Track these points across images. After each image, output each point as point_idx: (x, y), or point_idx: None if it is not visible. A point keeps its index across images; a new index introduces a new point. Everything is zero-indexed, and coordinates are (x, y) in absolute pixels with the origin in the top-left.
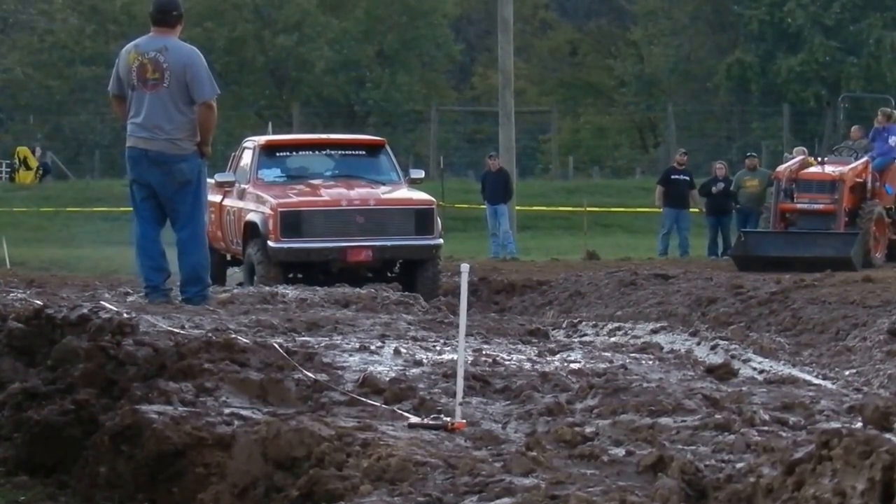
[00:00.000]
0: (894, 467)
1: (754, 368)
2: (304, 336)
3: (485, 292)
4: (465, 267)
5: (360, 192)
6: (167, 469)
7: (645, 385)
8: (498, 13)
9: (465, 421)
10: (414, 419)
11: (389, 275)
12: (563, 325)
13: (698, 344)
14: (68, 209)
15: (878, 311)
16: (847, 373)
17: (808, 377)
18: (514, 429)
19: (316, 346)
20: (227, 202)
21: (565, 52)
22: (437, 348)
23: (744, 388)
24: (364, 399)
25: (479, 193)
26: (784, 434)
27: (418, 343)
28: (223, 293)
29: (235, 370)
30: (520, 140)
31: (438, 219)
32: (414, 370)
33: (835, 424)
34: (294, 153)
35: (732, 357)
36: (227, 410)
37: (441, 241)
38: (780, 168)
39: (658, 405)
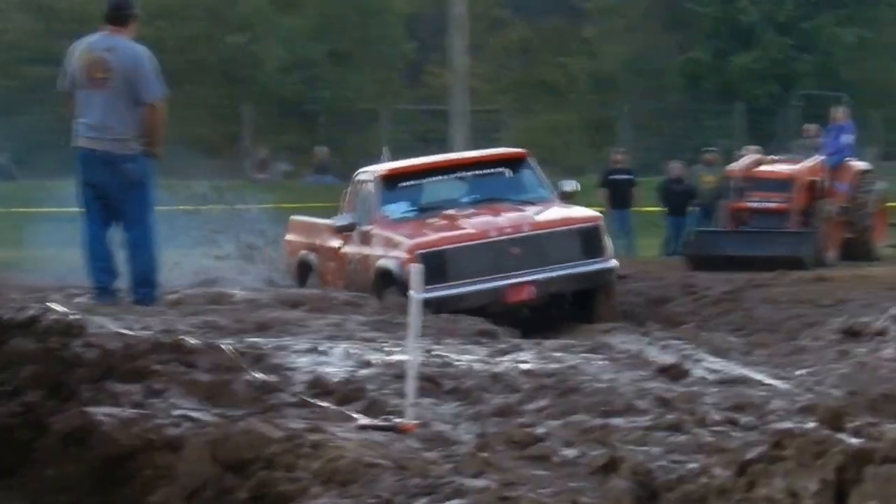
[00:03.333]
0: (847, 468)
1: (706, 368)
2: (253, 337)
3: None
4: (415, 267)
5: (509, 218)
6: (116, 471)
7: (596, 385)
8: (450, 11)
9: (415, 422)
10: (364, 420)
11: (556, 312)
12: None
13: (650, 344)
14: (18, 210)
15: (831, 310)
16: (799, 373)
17: (760, 377)
18: (465, 430)
19: (265, 348)
20: (347, 249)
21: (518, 51)
22: (388, 349)
23: (696, 389)
24: (314, 400)
25: None
26: (736, 434)
27: (368, 344)
28: None
29: (185, 372)
30: (472, 139)
31: (608, 237)
32: (364, 371)
33: (787, 424)
34: (422, 180)
35: (684, 357)
36: (176, 412)
37: (615, 262)
38: (733, 166)
39: (609, 406)
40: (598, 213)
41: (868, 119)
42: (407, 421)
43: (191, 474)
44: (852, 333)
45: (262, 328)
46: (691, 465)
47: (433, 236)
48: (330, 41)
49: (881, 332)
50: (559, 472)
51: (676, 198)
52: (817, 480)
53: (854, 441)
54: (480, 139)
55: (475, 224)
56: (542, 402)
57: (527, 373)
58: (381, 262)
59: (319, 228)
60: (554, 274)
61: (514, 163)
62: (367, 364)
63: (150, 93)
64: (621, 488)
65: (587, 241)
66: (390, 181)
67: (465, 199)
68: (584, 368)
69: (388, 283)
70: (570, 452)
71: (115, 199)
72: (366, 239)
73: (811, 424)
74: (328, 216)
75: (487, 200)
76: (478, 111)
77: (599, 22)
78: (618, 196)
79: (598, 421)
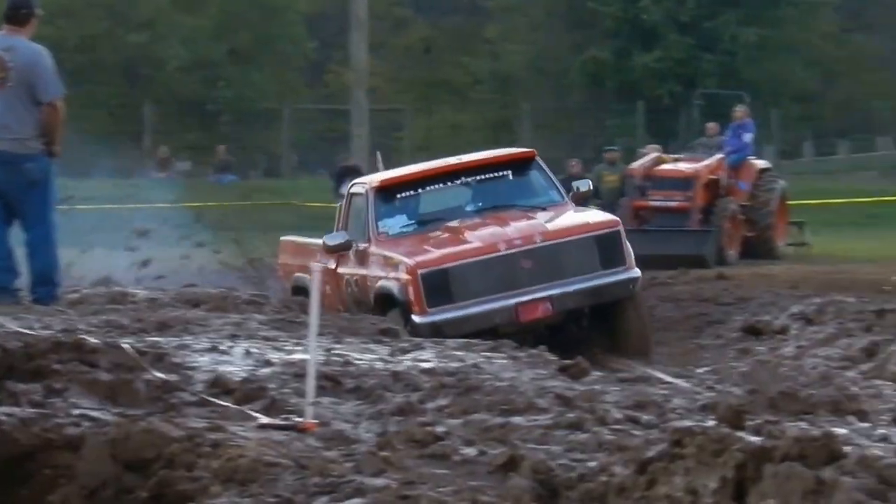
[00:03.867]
0: (747, 465)
1: (607, 367)
2: (154, 336)
3: None
4: (316, 266)
5: (518, 228)
6: (16, 471)
7: (497, 384)
8: (351, 10)
9: (315, 421)
10: (264, 419)
11: (578, 329)
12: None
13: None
14: None
15: (732, 308)
16: (700, 370)
17: (661, 375)
18: (366, 429)
19: (166, 347)
20: (343, 269)
21: (420, 50)
22: (288, 348)
23: (596, 387)
24: (214, 400)
25: (332, 192)
26: (636, 432)
27: (269, 343)
28: None
29: (85, 371)
30: (374, 138)
31: (628, 243)
32: (265, 370)
33: (687, 423)
34: (420, 189)
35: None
36: (76, 412)
37: (638, 272)
38: (634, 165)
39: (510, 404)
40: (615, 218)
41: (768, 118)
42: (307, 420)
43: (91, 474)
44: (753, 332)
45: (162, 327)
46: (592, 464)
47: (435, 253)
48: (231, 40)
49: (782, 331)
50: (459, 471)
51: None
52: (717, 478)
53: (754, 439)
54: (382, 138)
55: (481, 237)
56: (443, 401)
57: (428, 371)
58: (381, 284)
59: (312, 249)
60: (571, 288)
61: (520, 164)
62: (268, 363)
63: (48, 92)
64: (521, 487)
65: (606, 249)
66: (385, 193)
67: (468, 208)
68: (485, 367)
69: (390, 305)
70: (470, 451)
71: (14, 198)
72: (363, 259)
73: (711, 423)
74: (233, 214)
75: (493, 208)
76: (379, 110)
77: (501, 21)
78: None
79: (499, 419)
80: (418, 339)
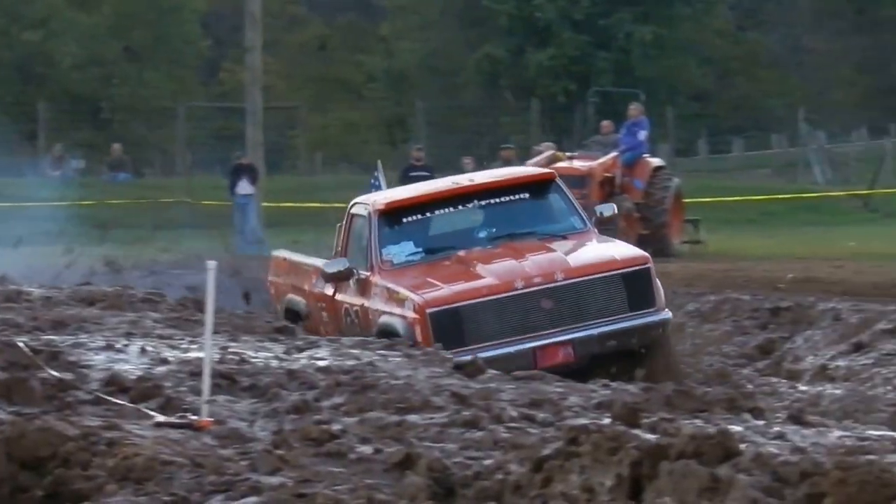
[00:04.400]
0: (642, 463)
1: None
2: (49, 335)
3: (236, 289)
4: (211, 264)
5: (537, 263)
6: None
7: (393, 382)
8: (246, 8)
9: (211, 419)
10: (160, 418)
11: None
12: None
13: None
14: None
15: None
16: None
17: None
18: (261, 427)
19: (61, 345)
20: (343, 297)
21: (314, 48)
22: (184, 346)
23: (492, 385)
24: (110, 398)
25: (227, 189)
26: (532, 430)
27: (165, 341)
28: None
29: None
30: (268, 136)
31: (658, 280)
32: (160, 368)
33: (583, 421)
34: (428, 213)
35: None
36: None
37: (669, 314)
38: (529, 163)
39: (406, 402)
40: (645, 253)
41: (663, 116)
42: (203, 418)
43: None
44: None
45: (58, 326)
46: (487, 462)
47: (446, 290)
48: (126, 39)
49: (678, 329)
50: (355, 469)
51: None
52: (613, 476)
53: (650, 437)
54: (277, 136)
55: (496, 272)
56: (339, 399)
57: (323, 370)
58: (385, 320)
59: (307, 269)
60: (595, 332)
61: (539, 187)
62: (164, 361)
63: None
64: (417, 485)
65: (634, 288)
66: (390, 216)
67: (481, 234)
68: (381, 365)
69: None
70: (366, 449)
71: None
72: (365, 288)
73: (607, 421)
74: (127, 213)
75: (509, 236)
76: (274, 108)
77: (396, 19)
78: None
79: (395, 417)
80: (314, 337)
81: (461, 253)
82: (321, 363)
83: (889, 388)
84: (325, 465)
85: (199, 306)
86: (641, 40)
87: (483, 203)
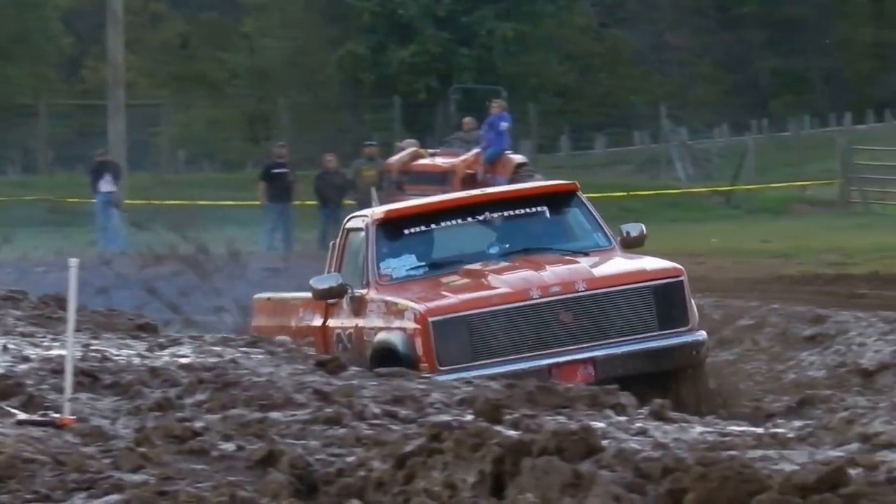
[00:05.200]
0: (505, 460)
1: None
2: None
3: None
4: (73, 262)
5: (556, 273)
6: None
7: (255, 379)
8: (108, 6)
9: (73, 417)
10: (22, 415)
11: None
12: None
13: None
14: None
15: None
16: None
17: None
18: (124, 424)
19: None
20: (335, 322)
21: (177, 45)
22: (46, 344)
23: (354, 382)
24: None
25: (89, 187)
26: (395, 427)
27: (27, 339)
28: None
29: None
30: (131, 133)
31: (691, 298)
32: (22, 366)
33: (445, 417)
34: (434, 225)
35: None
36: None
37: (704, 334)
38: (392, 160)
39: (268, 399)
40: (678, 266)
41: (526, 112)
42: (65, 416)
43: None
44: None
45: None
46: (350, 459)
47: (452, 298)
48: None
49: None
50: (218, 466)
51: (331, 191)
52: (475, 473)
53: (512, 433)
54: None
55: (510, 281)
56: (202, 397)
57: (186, 367)
58: (381, 337)
59: (294, 304)
60: (619, 350)
61: (558, 199)
62: (25, 359)
63: None
64: (280, 482)
65: (665, 303)
66: (390, 227)
67: (493, 251)
68: (243, 362)
69: (392, 364)
70: (228, 446)
71: None
72: (359, 307)
73: (469, 417)
74: None
75: (524, 251)
76: (136, 105)
77: (258, 16)
78: (278, 190)
79: (257, 415)
80: (176, 335)
81: (470, 266)
82: (184, 360)
83: (751, 383)
84: (188, 462)
85: (61, 304)
86: (503, 37)
87: (495, 215)
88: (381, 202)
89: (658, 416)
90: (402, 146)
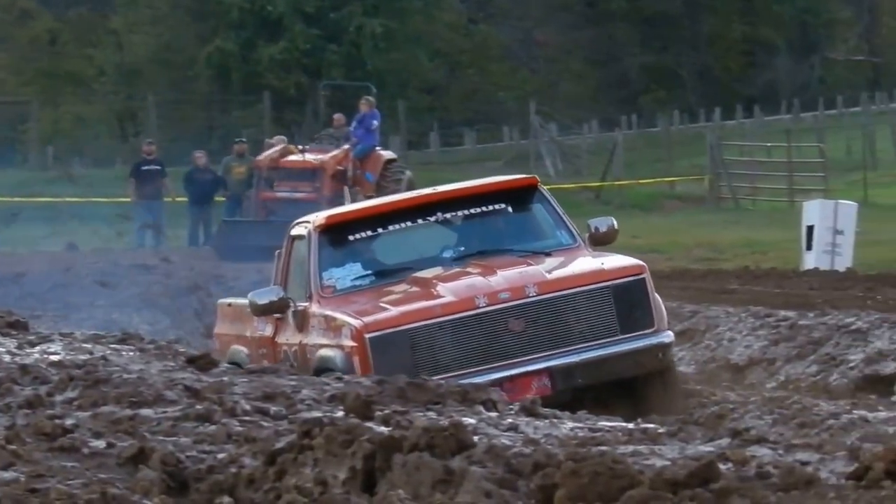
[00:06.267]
0: (376, 456)
1: None
2: None
3: None
4: None
5: (507, 277)
6: None
7: (126, 376)
8: None
9: None
10: None
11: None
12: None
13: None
14: None
15: None
16: None
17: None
18: None
19: None
20: (282, 338)
21: (45, 42)
22: None
23: (225, 378)
24: None
25: None
26: (265, 424)
27: None
28: None
29: None
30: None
31: (657, 296)
32: None
33: (316, 414)
34: (381, 230)
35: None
36: None
37: (671, 335)
38: (261, 157)
39: (139, 396)
40: (640, 263)
41: (395, 108)
42: None
43: None
44: None
45: None
46: (221, 456)
47: (392, 311)
48: None
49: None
50: (89, 463)
51: (200, 187)
52: (346, 469)
53: (383, 430)
54: (7, 131)
55: (456, 289)
56: (72, 394)
57: (56, 364)
58: (321, 355)
59: (249, 313)
60: (577, 358)
61: (517, 195)
62: None
63: None
64: (151, 479)
65: (626, 304)
66: (334, 234)
67: (447, 254)
68: (114, 359)
69: None
70: (99, 443)
71: None
72: (302, 322)
73: (340, 414)
74: None
75: (480, 254)
76: (4, 102)
77: (127, 13)
78: (148, 187)
79: (128, 412)
80: (46, 332)
81: (419, 274)
82: (54, 357)
83: None
84: (59, 459)
85: None
86: (372, 33)
87: (449, 216)
88: (252, 200)
89: (529, 412)
90: (272, 143)
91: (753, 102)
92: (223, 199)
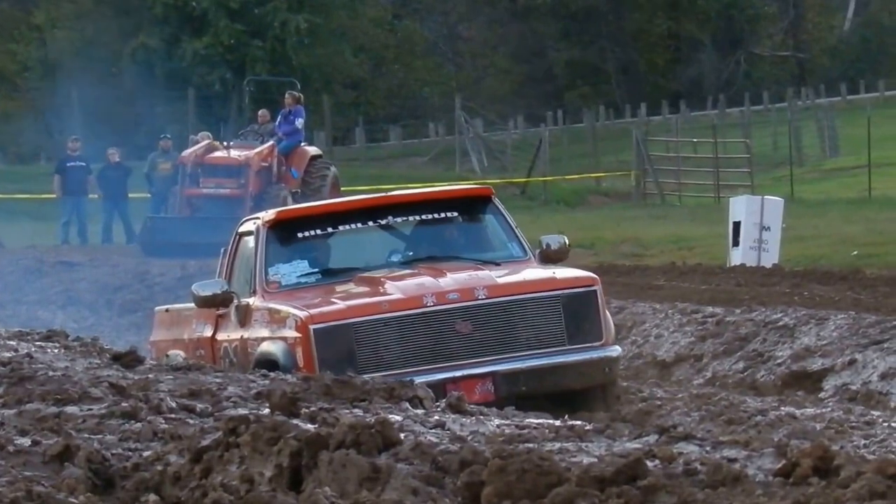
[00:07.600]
0: (302, 453)
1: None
2: None
3: None
4: None
5: (456, 280)
6: None
7: (51, 374)
8: None
9: None
10: None
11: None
12: None
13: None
14: None
15: None
16: None
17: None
18: None
19: None
20: (222, 335)
21: None
22: None
23: (150, 376)
24: None
25: None
26: (191, 421)
27: None
28: None
29: None
30: None
31: (606, 310)
32: None
33: (242, 411)
34: (330, 229)
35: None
36: None
37: (618, 349)
38: (186, 153)
39: (64, 394)
40: (592, 275)
41: (320, 104)
42: None
43: None
44: None
45: None
46: (147, 453)
47: (338, 305)
48: None
49: None
50: (14, 461)
51: (114, 183)
52: (272, 466)
53: (309, 427)
54: None
55: (404, 288)
56: None
57: None
58: (263, 348)
59: (187, 316)
60: (522, 365)
61: (470, 205)
62: None
63: None
64: (76, 476)
65: (576, 315)
66: (282, 231)
67: (396, 258)
68: (39, 357)
69: None
70: (24, 441)
71: None
72: (245, 317)
73: (266, 411)
74: None
75: (429, 259)
76: None
77: (50, 8)
78: (73, 183)
79: (53, 409)
80: None
81: (367, 273)
82: None
83: None
84: None
85: None
86: (296, 28)
87: (399, 220)
88: (177, 196)
89: (456, 409)
90: (197, 139)
91: (679, 98)
92: (148, 195)
